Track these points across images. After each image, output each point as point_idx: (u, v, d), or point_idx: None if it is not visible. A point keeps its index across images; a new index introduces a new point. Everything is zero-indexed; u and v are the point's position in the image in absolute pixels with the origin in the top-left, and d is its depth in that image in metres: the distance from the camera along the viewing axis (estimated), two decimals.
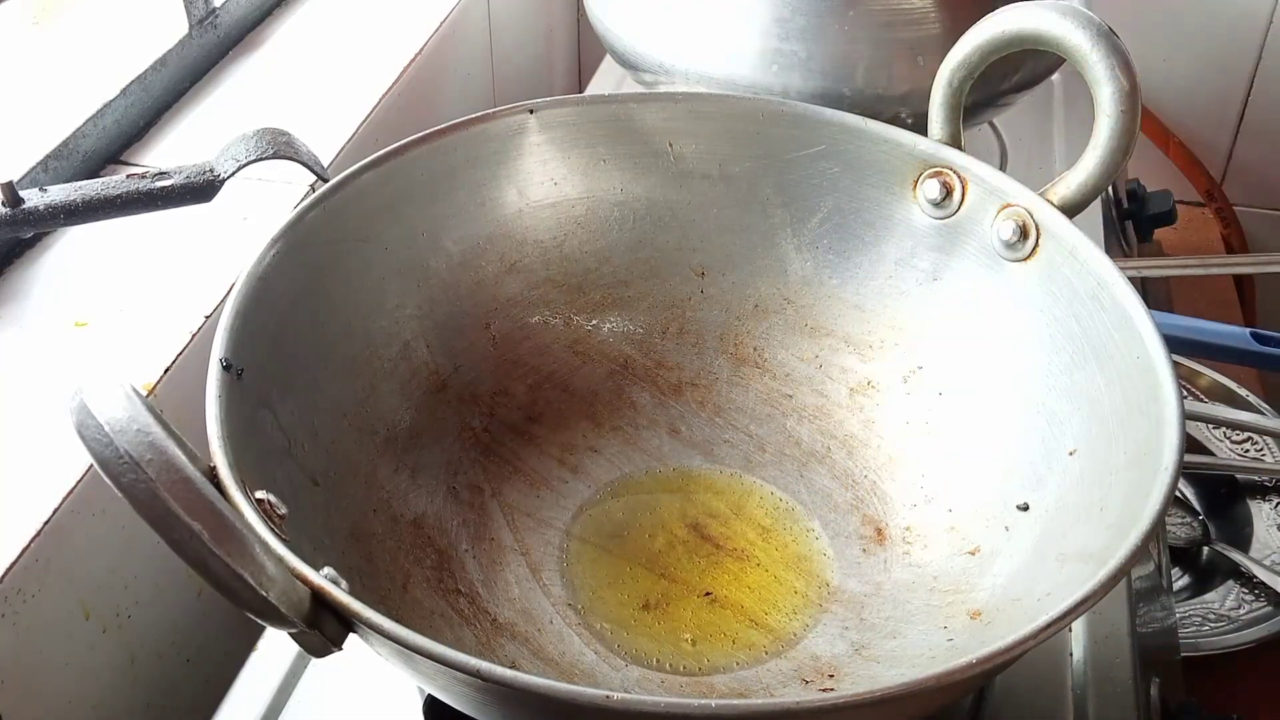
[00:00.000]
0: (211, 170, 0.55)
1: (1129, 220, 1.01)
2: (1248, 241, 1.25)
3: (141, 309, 0.63)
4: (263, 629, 0.54)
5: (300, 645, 0.39)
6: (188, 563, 0.36)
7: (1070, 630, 0.57)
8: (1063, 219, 0.54)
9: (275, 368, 0.50)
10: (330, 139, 0.76)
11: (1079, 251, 0.53)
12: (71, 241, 0.67)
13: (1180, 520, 0.98)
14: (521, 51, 1.09)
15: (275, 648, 0.55)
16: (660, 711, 0.36)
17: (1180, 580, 0.94)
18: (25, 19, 0.77)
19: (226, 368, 0.45)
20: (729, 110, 0.61)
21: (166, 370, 0.59)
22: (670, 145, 0.62)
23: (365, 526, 0.52)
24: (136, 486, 0.36)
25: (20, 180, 0.66)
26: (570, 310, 0.62)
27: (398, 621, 0.37)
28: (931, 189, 0.58)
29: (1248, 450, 0.97)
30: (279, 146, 0.54)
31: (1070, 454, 0.51)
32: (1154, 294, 0.99)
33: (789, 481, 0.59)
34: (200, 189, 0.55)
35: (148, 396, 0.44)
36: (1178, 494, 0.90)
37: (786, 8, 0.71)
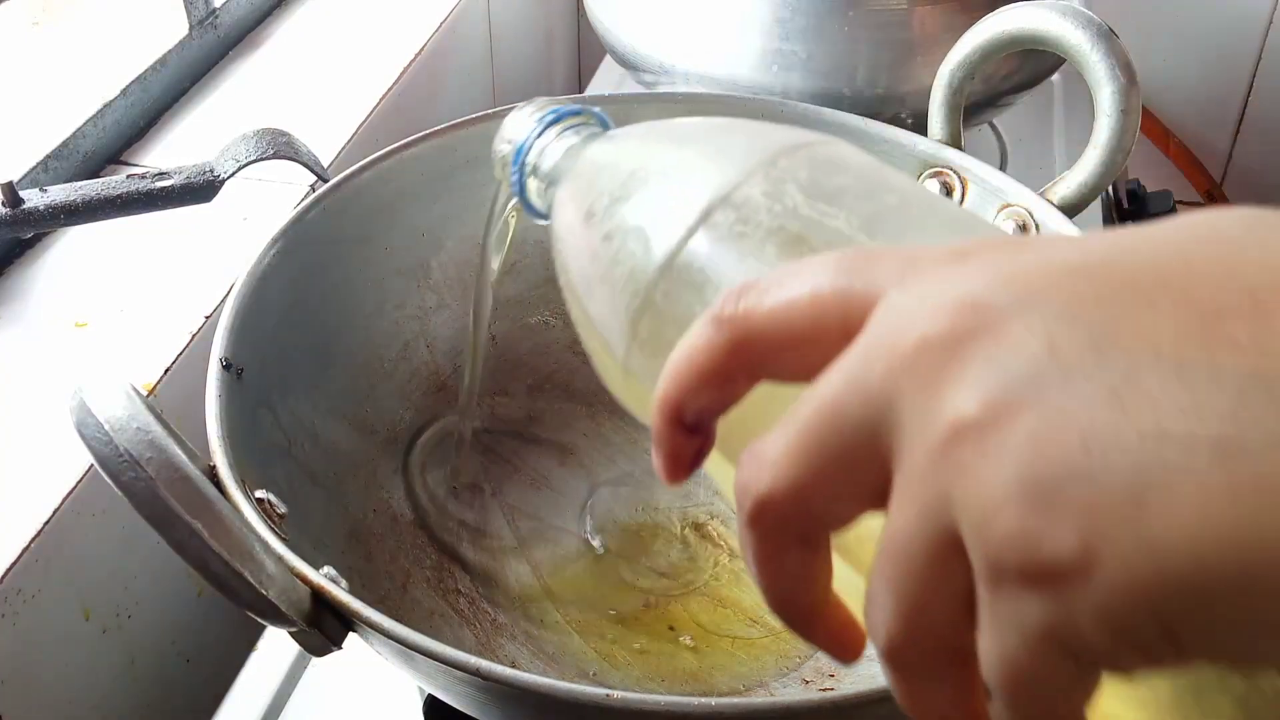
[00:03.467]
0: (211, 170, 0.55)
1: (1129, 221, 1.01)
2: None
3: (141, 309, 0.63)
4: (263, 629, 0.54)
5: (300, 644, 0.39)
6: (188, 562, 0.36)
7: None
8: (1063, 219, 0.54)
9: (275, 368, 0.50)
10: (330, 139, 0.75)
11: None
12: (71, 241, 0.67)
13: None
14: (521, 51, 1.09)
15: (275, 648, 0.55)
16: (660, 710, 0.35)
17: None
18: (25, 19, 0.77)
19: (226, 367, 0.45)
20: (729, 110, 0.61)
21: (166, 370, 0.59)
22: None
23: (365, 526, 0.52)
24: (136, 485, 0.36)
25: (20, 180, 0.66)
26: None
27: (397, 621, 0.37)
28: (931, 189, 0.58)
29: None
30: (279, 146, 0.54)
31: None
32: None
33: None
34: (200, 189, 0.55)
35: (148, 396, 0.44)
36: None
37: (786, 8, 0.71)
